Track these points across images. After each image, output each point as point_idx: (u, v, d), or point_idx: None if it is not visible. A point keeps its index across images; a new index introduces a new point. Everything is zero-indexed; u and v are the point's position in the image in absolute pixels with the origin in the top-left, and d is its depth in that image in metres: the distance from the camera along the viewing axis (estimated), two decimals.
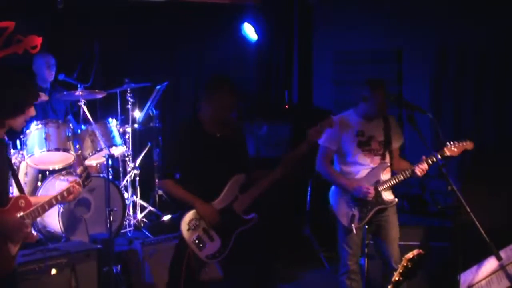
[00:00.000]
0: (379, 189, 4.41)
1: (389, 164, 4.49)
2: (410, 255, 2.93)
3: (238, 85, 8.08)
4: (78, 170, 3.63)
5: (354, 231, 4.37)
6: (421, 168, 4.31)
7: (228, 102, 3.97)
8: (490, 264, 3.73)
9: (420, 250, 2.94)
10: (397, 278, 2.93)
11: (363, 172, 4.47)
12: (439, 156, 4.30)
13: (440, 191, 5.97)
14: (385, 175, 4.46)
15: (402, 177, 4.41)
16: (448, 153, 4.34)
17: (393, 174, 4.52)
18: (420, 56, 6.84)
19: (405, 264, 2.92)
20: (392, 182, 4.43)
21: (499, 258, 3.68)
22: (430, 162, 4.31)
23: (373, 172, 4.46)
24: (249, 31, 7.83)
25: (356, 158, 4.47)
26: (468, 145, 4.39)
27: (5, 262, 3.23)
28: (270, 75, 8.28)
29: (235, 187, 4.00)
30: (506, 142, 6.12)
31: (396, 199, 4.52)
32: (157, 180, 3.74)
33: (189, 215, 3.91)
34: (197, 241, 3.90)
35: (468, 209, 3.80)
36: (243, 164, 4.11)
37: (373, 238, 4.63)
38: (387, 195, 4.47)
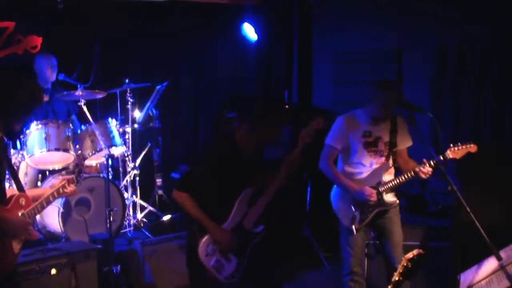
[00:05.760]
0: (381, 190, 4.38)
1: (391, 165, 4.47)
2: (410, 255, 2.92)
3: (238, 85, 8.15)
4: (71, 166, 3.66)
5: (355, 232, 4.37)
6: (424, 171, 4.25)
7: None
8: (490, 264, 3.72)
9: (420, 250, 2.94)
10: (397, 278, 2.92)
11: (366, 173, 4.44)
12: (442, 158, 4.27)
13: (440, 191, 5.97)
14: (387, 176, 4.43)
15: (404, 178, 4.36)
16: (451, 156, 4.29)
17: (397, 175, 4.49)
18: (420, 56, 6.83)
19: (405, 264, 2.92)
20: (394, 183, 4.38)
21: (499, 258, 3.68)
22: (432, 164, 4.25)
23: (375, 173, 4.43)
24: (249, 31, 7.84)
25: (361, 158, 4.43)
26: (471, 148, 4.33)
27: (9, 260, 3.26)
28: (270, 75, 8.29)
29: (244, 203, 3.91)
30: (506, 142, 6.12)
31: (398, 201, 4.49)
32: (173, 190, 3.67)
33: (206, 241, 3.82)
34: (216, 265, 3.83)
35: (468, 209, 3.80)
36: (255, 177, 4.00)
37: (378, 239, 4.62)
38: (389, 197, 4.43)
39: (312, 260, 6.12)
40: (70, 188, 3.55)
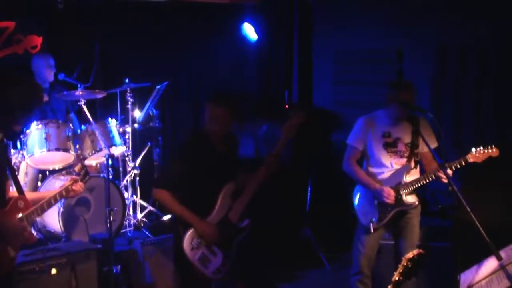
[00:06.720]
0: (401, 191, 4.40)
1: (413, 166, 4.46)
2: (410, 255, 2.92)
3: (238, 85, 8.14)
4: (76, 168, 3.64)
5: (372, 230, 4.40)
6: (444, 174, 4.21)
7: (224, 119, 3.94)
8: (490, 264, 3.72)
9: (420, 250, 2.94)
10: (397, 278, 2.93)
11: (387, 173, 4.47)
12: (463, 162, 4.27)
13: (441, 191, 5.96)
14: (409, 177, 4.43)
15: (425, 181, 4.37)
16: (471, 160, 4.30)
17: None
18: (420, 56, 6.83)
19: (405, 264, 2.92)
20: (415, 186, 4.40)
21: (499, 258, 3.67)
22: (453, 168, 4.26)
23: (396, 174, 4.44)
24: (249, 31, 7.83)
25: (381, 159, 4.46)
26: (493, 152, 4.33)
27: (6, 259, 3.21)
28: (270, 75, 8.28)
29: (228, 197, 3.98)
30: (506, 142, 6.12)
31: (417, 202, 4.49)
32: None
33: (190, 235, 3.87)
34: (202, 259, 3.87)
35: (468, 209, 3.80)
36: (233, 173, 4.10)
37: (393, 238, 4.63)
38: (409, 198, 4.45)
39: (312, 260, 6.13)
40: (77, 187, 3.53)
